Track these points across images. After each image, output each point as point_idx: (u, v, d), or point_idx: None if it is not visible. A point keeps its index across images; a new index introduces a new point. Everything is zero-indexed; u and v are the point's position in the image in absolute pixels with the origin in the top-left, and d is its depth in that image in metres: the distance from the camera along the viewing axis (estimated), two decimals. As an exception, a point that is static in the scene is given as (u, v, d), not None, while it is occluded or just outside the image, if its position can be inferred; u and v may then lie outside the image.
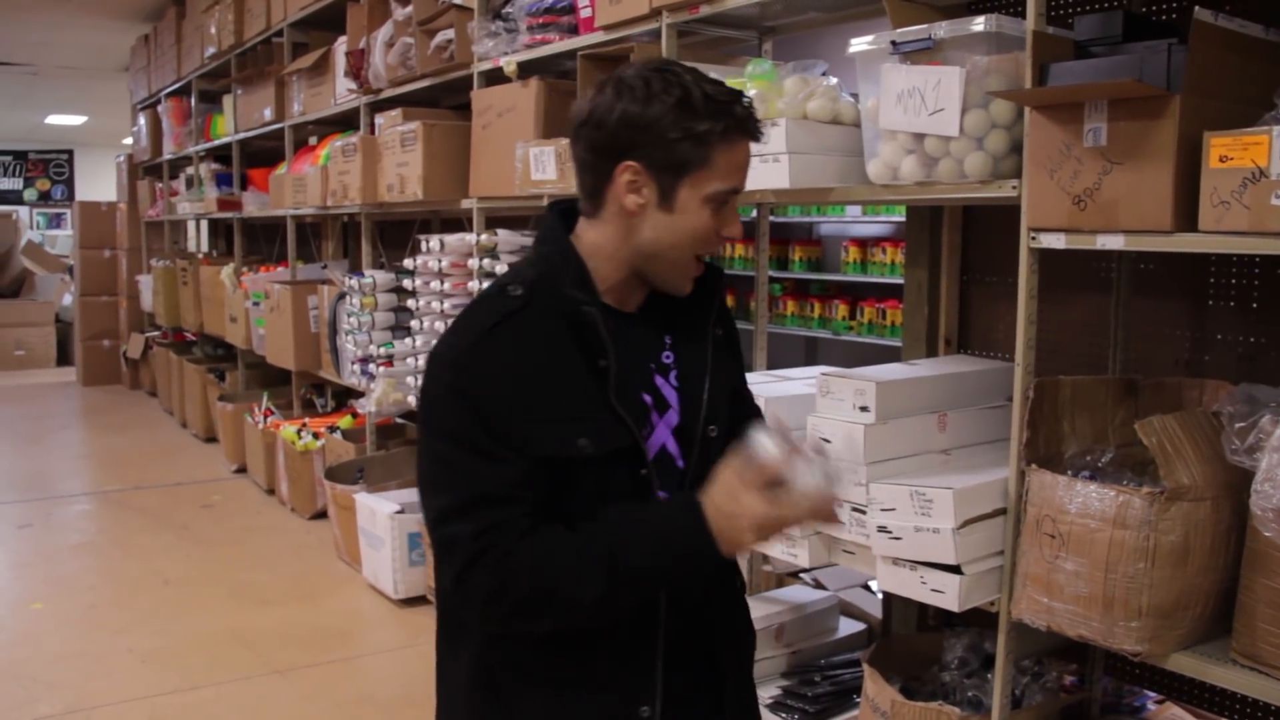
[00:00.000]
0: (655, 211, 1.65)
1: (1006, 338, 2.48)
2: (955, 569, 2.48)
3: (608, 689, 1.70)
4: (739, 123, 1.65)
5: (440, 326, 4.69)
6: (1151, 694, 3.32)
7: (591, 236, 1.70)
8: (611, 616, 1.63)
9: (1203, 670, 2.26)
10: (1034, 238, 2.42)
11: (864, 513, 2.65)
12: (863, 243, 6.70)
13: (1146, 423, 2.24)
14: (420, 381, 1.69)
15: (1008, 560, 2.52)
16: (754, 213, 3.99)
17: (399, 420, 6.33)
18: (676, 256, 1.69)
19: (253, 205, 7.60)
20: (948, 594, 2.50)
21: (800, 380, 3.17)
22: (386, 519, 4.91)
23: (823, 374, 2.72)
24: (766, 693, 3.24)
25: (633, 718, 1.69)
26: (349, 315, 5.69)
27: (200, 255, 9.51)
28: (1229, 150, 2.12)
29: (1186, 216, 2.19)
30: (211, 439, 8.36)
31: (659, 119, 1.60)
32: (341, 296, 5.96)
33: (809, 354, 7.20)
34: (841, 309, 6.75)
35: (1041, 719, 2.82)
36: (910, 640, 3.32)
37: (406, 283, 5.05)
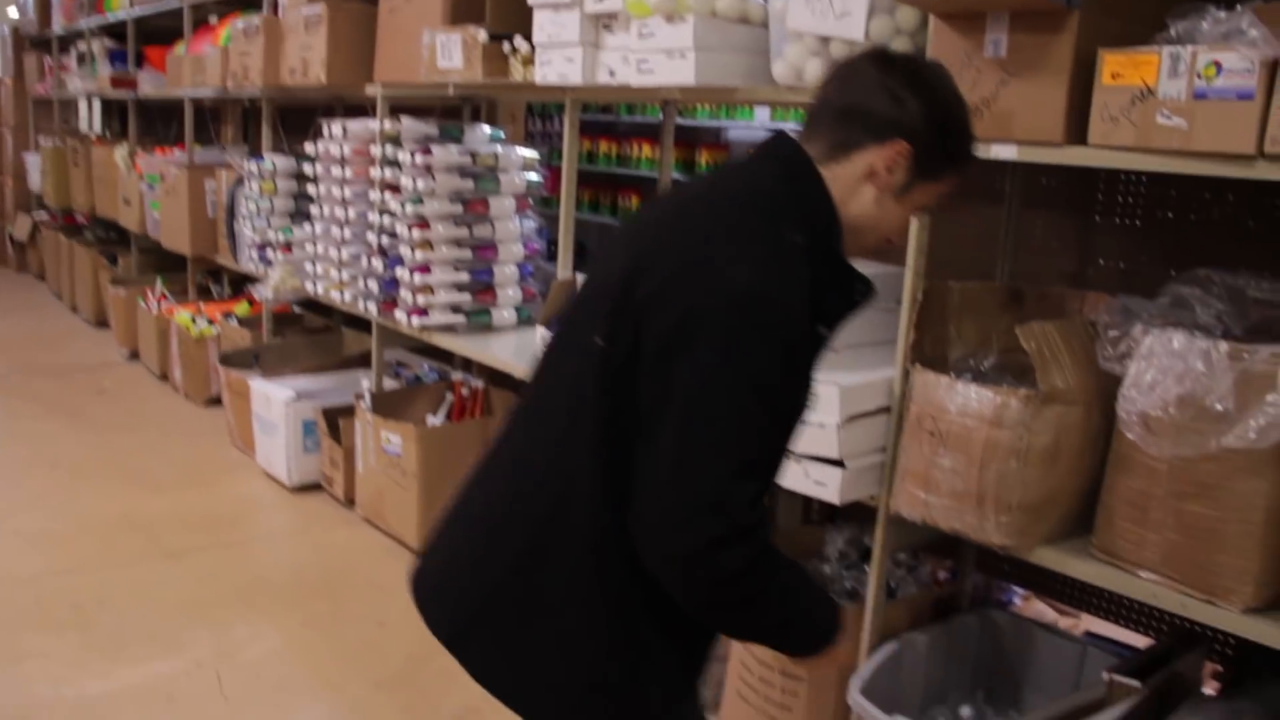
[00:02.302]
0: (888, 193, 1.67)
1: (900, 245, 2.54)
2: (838, 463, 2.57)
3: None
4: (971, 161, 1.74)
5: (341, 214, 4.63)
6: (1019, 589, 3.49)
7: (834, 189, 1.66)
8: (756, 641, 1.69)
9: (1064, 564, 2.38)
10: (931, 144, 2.47)
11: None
12: (769, 150, 6.74)
13: (1027, 328, 2.33)
14: (716, 314, 1.49)
15: (889, 456, 2.62)
16: (660, 113, 3.99)
17: (296, 309, 6.26)
18: (872, 238, 1.72)
19: (149, 85, 7.36)
20: (829, 487, 2.59)
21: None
22: (281, 405, 4.88)
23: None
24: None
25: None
26: (247, 200, 5.58)
27: (92, 136, 9.18)
28: (1121, 68, 2.18)
29: (1077, 131, 2.26)
30: (103, 324, 8.18)
31: (951, 131, 1.67)
32: (240, 181, 5.84)
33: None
34: (745, 215, 6.80)
35: (913, 609, 2.95)
36: (793, 533, 3.43)
37: (307, 169, 4.97)
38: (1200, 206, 2.82)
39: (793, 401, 1.62)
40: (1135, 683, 2.44)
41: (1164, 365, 2.15)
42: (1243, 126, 2.00)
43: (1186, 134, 2.08)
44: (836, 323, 1.68)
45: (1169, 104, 2.10)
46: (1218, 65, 2.03)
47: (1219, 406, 2.07)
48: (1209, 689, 2.73)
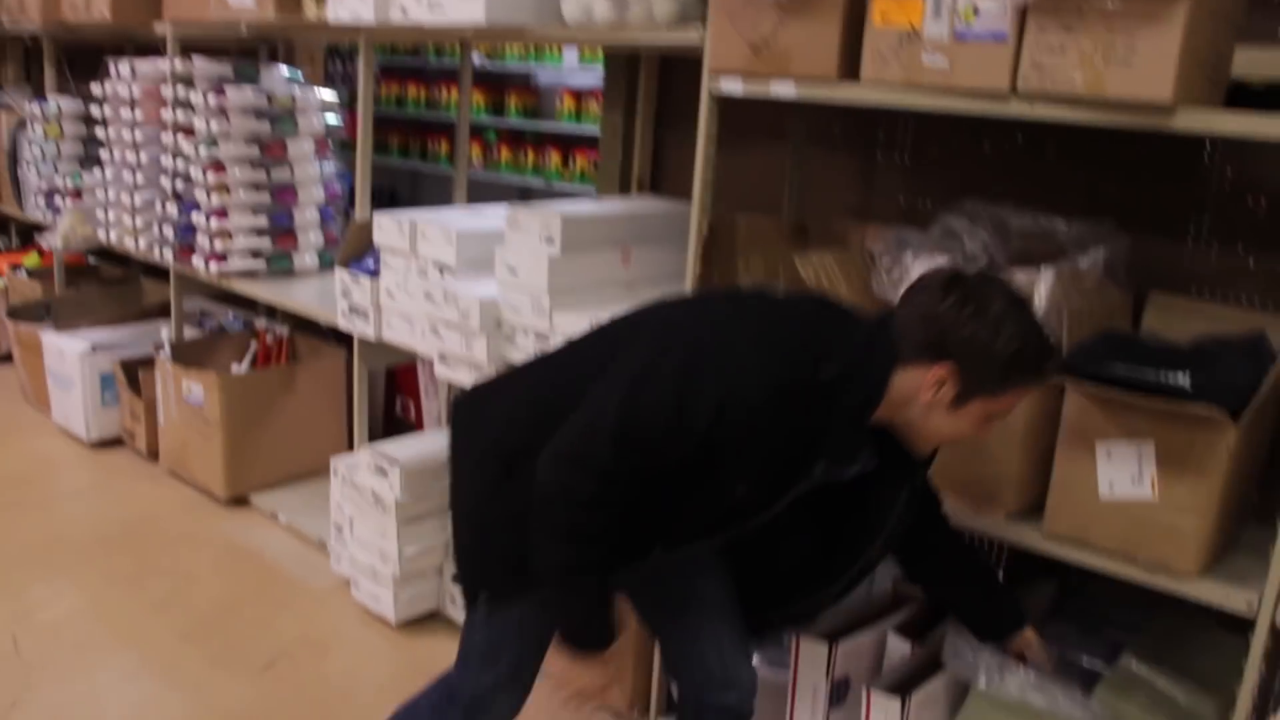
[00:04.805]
0: (939, 408, 1.83)
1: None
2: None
3: None
4: (1045, 378, 1.91)
5: (132, 158, 4.47)
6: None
7: (896, 385, 1.83)
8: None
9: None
10: (714, 82, 2.54)
11: (547, 340, 2.77)
12: (578, 94, 6.74)
13: (805, 258, 2.44)
14: (705, 335, 1.86)
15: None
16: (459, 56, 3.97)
17: (92, 259, 6.02)
18: (935, 441, 1.95)
19: (-83, 22, 6.88)
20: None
21: (494, 217, 3.25)
22: (76, 359, 4.70)
23: (511, 208, 2.80)
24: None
25: None
26: (31, 145, 5.33)
27: None
28: (889, 9, 2.28)
29: (851, 69, 2.35)
30: (-122, 280, 7.67)
31: (995, 357, 1.77)
32: (22, 124, 5.56)
33: (523, 203, 7.18)
34: (555, 158, 6.81)
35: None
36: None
37: (95, 111, 4.76)
38: (972, 143, 2.97)
39: (719, 450, 1.78)
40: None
41: (931, 291, 2.28)
42: (998, 66, 2.12)
43: (949, 73, 2.19)
44: (833, 468, 1.88)
45: (933, 44, 2.21)
46: (976, 8, 2.15)
47: (981, 328, 2.21)
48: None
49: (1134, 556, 2.14)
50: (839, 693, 2.41)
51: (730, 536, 2.00)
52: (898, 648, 2.42)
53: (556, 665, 1.99)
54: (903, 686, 2.25)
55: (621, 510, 1.81)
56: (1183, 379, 2.01)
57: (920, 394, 1.82)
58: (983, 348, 1.77)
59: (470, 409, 2.11)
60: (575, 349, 2.04)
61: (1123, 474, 2.11)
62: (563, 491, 1.79)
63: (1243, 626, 2.07)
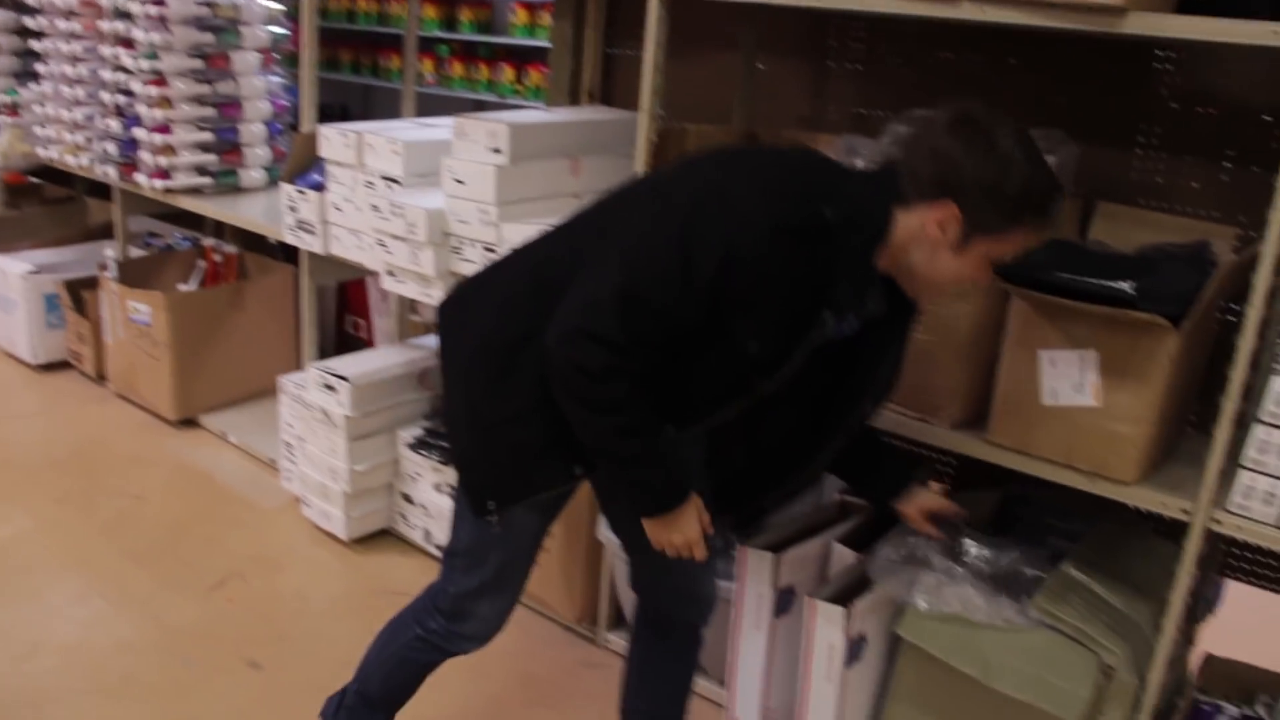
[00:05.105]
0: (943, 248, 1.78)
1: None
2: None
3: None
4: (1051, 219, 1.80)
5: (71, 71, 4.35)
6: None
7: (900, 227, 1.79)
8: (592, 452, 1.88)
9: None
10: (664, -15, 2.49)
11: (494, 251, 2.74)
12: (531, 6, 6.63)
13: (753, 167, 2.40)
14: (701, 187, 1.80)
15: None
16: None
17: (34, 179, 5.88)
18: (935, 287, 1.89)
19: None
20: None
21: (442, 128, 3.19)
22: (19, 280, 4.62)
23: (458, 118, 2.75)
24: (410, 434, 3.36)
25: None
26: (-34, 59, 5.16)
27: None
28: (838, -91, 2.23)
29: (800, -31, 2.31)
30: None
31: (1003, 195, 1.72)
32: (-44, 38, 5.38)
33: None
34: (508, 72, 6.71)
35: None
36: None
37: (30, 23, 4.62)
38: (924, 51, 2.94)
39: (728, 305, 1.75)
40: (863, 501, 2.63)
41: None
42: (948, -32, 2.09)
43: (900, -25, 2.16)
44: (840, 314, 1.83)
45: (882, -55, 2.17)
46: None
47: (927, 237, 2.19)
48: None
49: (1075, 464, 2.16)
50: (784, 601, 2.43)
51: (741, 407, 1.96)
52: (842, 557, 2.44)
53: (651, 533, 1.95)
54: (846, 595, 2.27)
55: (639, 376, 1.77)
56: (1125, 286, 2.02)
57: (924, 234, 1.78)
58: (991, 185, 1.72)
59: (456, 309, 2.04)
60: (560, 233, 1.97)
61: (1065, 382, 2.12)
62: (572, 367, 1.75)
63: (1178, 533, 2.10)
